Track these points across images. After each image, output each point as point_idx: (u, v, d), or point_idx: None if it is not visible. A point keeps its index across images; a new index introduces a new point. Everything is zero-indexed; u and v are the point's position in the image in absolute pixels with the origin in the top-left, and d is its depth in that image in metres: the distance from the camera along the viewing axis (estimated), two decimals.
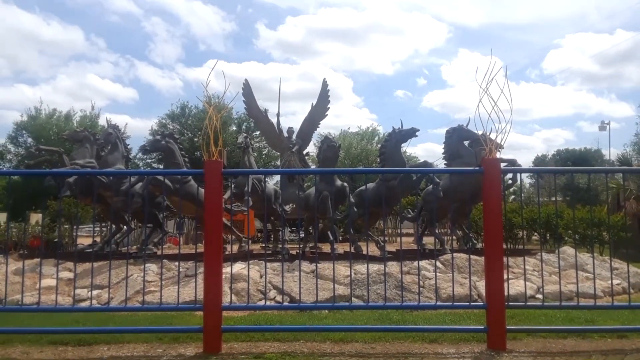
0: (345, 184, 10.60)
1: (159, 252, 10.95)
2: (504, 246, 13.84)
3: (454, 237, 12.99)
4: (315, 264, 8.87)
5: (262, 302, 7.32)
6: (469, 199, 9.38)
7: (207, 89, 5.49)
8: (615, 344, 5.24)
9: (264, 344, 5.24)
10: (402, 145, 11.29)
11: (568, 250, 10.28)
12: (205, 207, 5.21)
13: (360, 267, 8.46)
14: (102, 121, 35.51)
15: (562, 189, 33.22)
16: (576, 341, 5.35)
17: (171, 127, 36.57)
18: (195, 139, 34.83)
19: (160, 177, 9.55)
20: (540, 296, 8.13)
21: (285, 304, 7.00)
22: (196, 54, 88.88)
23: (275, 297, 7.60)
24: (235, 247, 12.00)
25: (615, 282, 8.17)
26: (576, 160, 45.51)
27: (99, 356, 4.85)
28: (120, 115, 77.30)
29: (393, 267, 8.59)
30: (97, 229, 15.84)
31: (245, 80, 17.20)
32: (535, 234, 15.46)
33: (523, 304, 5.65)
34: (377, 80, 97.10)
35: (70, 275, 8.68)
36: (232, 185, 9.91)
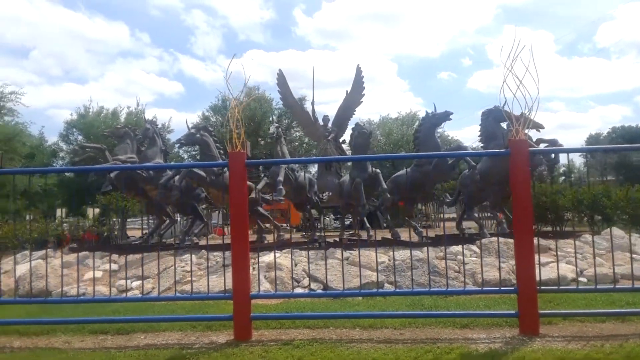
0: (378, 170, 10.52)
1: (200, 243, 11.26)
2: (550, 229, 13.49)
3: (495, 221, 12.72)
4: (349, 252, 8.90)
5: (296, 290, 7.41)
6: (508, 180, 9.11)
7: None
8: None
9: (294, 330, 5.32)
10: (439, 128, 11.12)
11: (615, 231, 9.85)
12: (231, 197, 5.30)
13: (395, 254, 8.39)
14: (147, 116, 36.67)
15: (614, 167, 31.86)
16: (615, 325, 5.16)
17: (214, 120, 37.25)
18: (237, 131, 35.33)
19: (197, 170, 9.78)
20: (583, 279, 7.87)
21: (316, 291, 7.07)
22: (236, 45, 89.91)
23: (309, 284, 7.68)
24: (274, 237, 12.16)
25: None
26: (632, 138, 43.13)
27: (135, 344, 5.05)
28: (166, 110, 79.36)
29: (430, 252, 8.50)
30: (145, 221, 16.39)
31: (279, 70, 17.15)
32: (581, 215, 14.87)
33: (556, 287, 5.47)
34: (421, 62, 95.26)
35: (115, 267, 9.07)
36: (265, 176, 10.04)
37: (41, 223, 14.89)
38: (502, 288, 5.31)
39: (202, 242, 11.38)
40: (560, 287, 5.27)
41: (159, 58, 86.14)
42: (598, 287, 5.39)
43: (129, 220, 20.52)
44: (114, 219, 17.00)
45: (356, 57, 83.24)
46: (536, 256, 5.12)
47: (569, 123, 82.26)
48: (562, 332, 4.96)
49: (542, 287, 5.18)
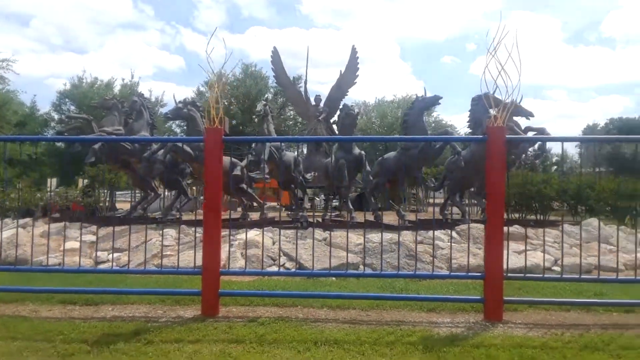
0: (363, 152, 10.49)
1: (183, 217, 11.25)
2: (536, 217, 13.54)
3: (481, 208, 12.77)
4: (328, 232, 8.93)
5: (271, 269, 7.44)
6: None
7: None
8: (620, 318, 5.08)
9: (262, 308, 5.34)
10: (434, 112, 11.08)
11: (593, 222, 9.92)
12: (205, 174, 5.28)
13: (374, 236, 8.43)
14: (141, 89, 36.38)
15: (606, 159, 32.02)
16: (579, 314, 5.22)
17: (208, 95, 37.01)
18: (231, 107, 35.23)
19: (180, 144, 9.74)
20: (557, 268, 7.94)
21: (287, 270, 7.09)
22: (239, 21, 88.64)
23: (284, 263, 7.71)
24: (257, 215, 12.17)
25: None
26: (630, 129, 43.18)
27: (102, 315, 5.07)
28: (166, 83, 77.95)
29: (407, 236, 8.54)
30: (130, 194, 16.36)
31: (274, 47, 17.13)
32: (556, 204, 14.95)
33: (522, 275, 5.52)
34: (425, 46, 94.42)
35: (94, 238, 9.06)
36: (250, 154, 10.00)
37: (26, 192, 14.83)
38: (469, 274, 5.33)
39: (187, 218, 11.39)
40: (526, 275, 5.30)
41: (161, 31, 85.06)
42: (563, 276, 5.43)
43: (118, 192, 20.47)
44: (101, 191, 16.93)
45: (360, 37, 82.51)
46: (505, 243, 5.15)
47: (569, 113, 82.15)
48: (526, 319, 5.02)
49: (509, 275, 5.21)
